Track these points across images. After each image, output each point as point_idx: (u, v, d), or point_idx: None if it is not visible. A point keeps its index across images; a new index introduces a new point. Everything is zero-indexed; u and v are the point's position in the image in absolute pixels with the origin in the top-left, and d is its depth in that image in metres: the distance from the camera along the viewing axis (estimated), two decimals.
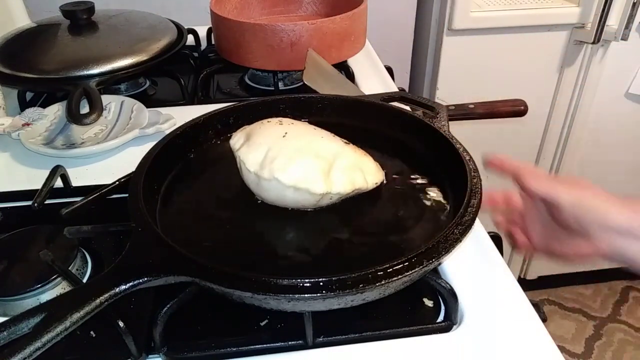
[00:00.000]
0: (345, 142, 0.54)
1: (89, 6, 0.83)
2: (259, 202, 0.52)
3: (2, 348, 0.34)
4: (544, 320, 0.46)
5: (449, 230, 0.43)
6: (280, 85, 0.87)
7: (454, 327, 0.45)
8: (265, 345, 0.43)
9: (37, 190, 0.55)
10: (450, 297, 0.44)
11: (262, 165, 0.50)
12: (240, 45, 0.80)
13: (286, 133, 0.52)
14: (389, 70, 0.93)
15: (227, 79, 0.93)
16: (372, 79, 0.89)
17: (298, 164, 0.49)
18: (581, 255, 0.52)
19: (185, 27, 0.93)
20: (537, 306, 0.47)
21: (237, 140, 0.54)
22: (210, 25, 0.89)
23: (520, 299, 0.47)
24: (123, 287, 0.38)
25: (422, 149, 0.59)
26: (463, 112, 0.66)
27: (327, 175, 0.50)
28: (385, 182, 0.55)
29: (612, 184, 1.45)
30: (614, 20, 1.20)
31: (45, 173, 0.58)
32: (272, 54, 0.78)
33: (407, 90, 1.13)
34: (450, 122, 0.61)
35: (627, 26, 1.19)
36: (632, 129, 1.38)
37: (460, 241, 0.42)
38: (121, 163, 0.67)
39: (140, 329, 0.43)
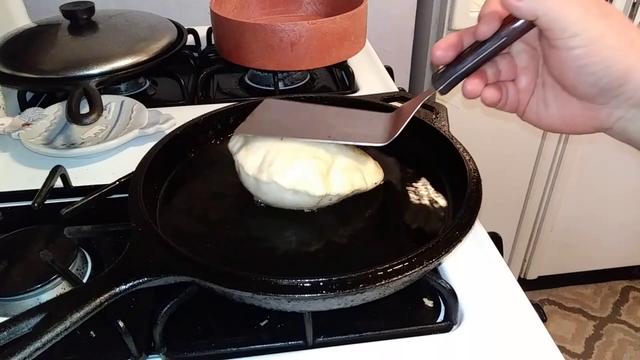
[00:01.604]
0: None
1: (89, 6, 0.83)
2: (258, 202, 0.52)
3: (2, 348, 0.34)
4: (544, 320, 0.46)
5: (449, 230, 0.43)
6: (280, 85, 0.87)
7: (454, 327, 0.45)
8: (265, 345, 0.43)
9: (37, 190, 0.55)
10: (450, 297, 0.44)
11: (261, 169, 0.50)
12: (240, 45, 0.80)
13: (282, 137, 0.52)
14: (389, 70, 0.93)
15: (227, 79, 0.93)
16: (372, 79, 0.89)
17: (296, 166, 0.49)
18: (573, 125, 0.42)
19: (185, 27, 0.93)
20: (537, 306, 0.47)
21: (235, 143, 0.54)
22: (210, 25, 0.89)
23: (520, 299, 0.47)
24: (123, 287, 0.38)
25: (422, 149, 0.59)
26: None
27: (325, 176, 0.50)
28: (384, 181, 0.55)
29: (614, 183, 1.45)
30: None
31: (45, 173, 0.58)
32: (272, 54, 0.78)
33: (407, 90, 1.13)
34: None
35: None
36: None
37: (460, 241, 0.42)
38: (121, 163, 0.67)
39: (140, 329, 0.43)
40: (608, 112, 0.40)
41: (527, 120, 0.45)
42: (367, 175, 0.52)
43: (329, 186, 0.49)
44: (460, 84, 0.45)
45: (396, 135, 0.49)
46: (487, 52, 0.42)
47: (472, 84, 0.44)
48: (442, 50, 0.44)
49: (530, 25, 0.39)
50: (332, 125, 0.54)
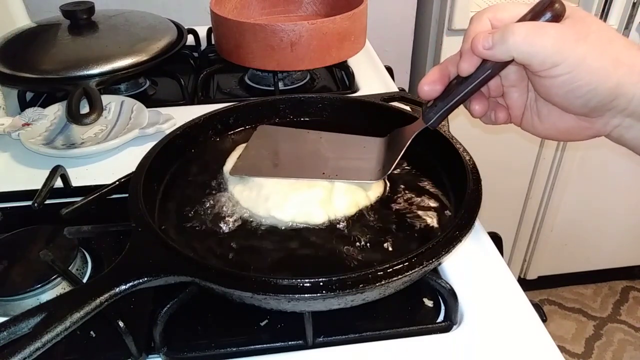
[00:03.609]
0: None
1: (89, 6, 0.83)
2: None
3: (2, 348, 0.34)
4: (544, 320, 0.46)
5: (449, 230, 0.43)
6: (280, 85, 0.87)
7: (454, 327, 0.45)
8: (265, 345, 0.43)
9: (37, 190, 0.55)
10: (450, 297, 0.44)
11: (257, 203, 0.50)
12: (240, 45, 0.80)
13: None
14: (389, 70, 0.93)
15: (227, 79, 0.93)
16: (372, 79, 0.89)
17: (293, 199, 0.50)
18: (570, 136, 0.42)
19: (185, 27, 0.93)
20: (537, 306, 0.47)
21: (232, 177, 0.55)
22: (210, 25, 0.89)
23: (520, 299, 0.47)
24: (123, 287, 0.38)
25: (422, 149, 0.59)
26: None
27: (327, 202, 0.50)
28: (388, 186, 0.55)
29: (614, 184, 1.45)
30: (614, 20, 1.20)
31: (45, 173, 0.58)
32: (272, 54, 0.78)
33: (407, 90, 1.13)
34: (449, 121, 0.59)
35: (627, 26, 1.19)
36: None
37: (460, 241, 0.42)
38: (121, 163, 0.67)
39: (140, 329, 0.43)
40: (604, 122, 0.40)
41: (525, 130, 0.46)
42: (370, 190, 0.53)
43: (333, 211, 0.50)
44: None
45: (389, 172, 0.51)
46: (473, 84, 0.43)
47: (480, 104, 0.45)
48: (428, 85, 0.44)
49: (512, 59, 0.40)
50: (326, 158, 0.56)
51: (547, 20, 0.38)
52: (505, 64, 0.41)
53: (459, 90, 0.43)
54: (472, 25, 0.41)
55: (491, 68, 0.41)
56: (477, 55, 0.40)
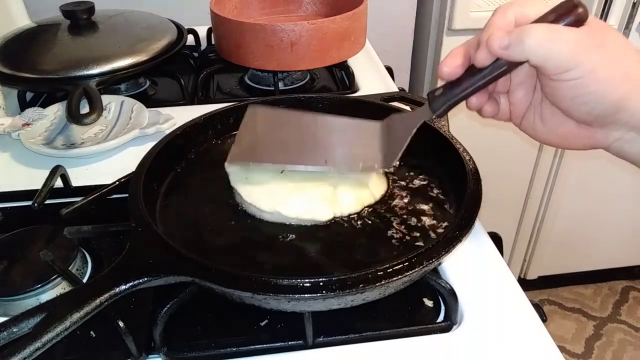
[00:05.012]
0: None
1: (89, 6, 0.83)
2: None
3: (2, 348, 0.34)
4: (544, 320, 0.46)
5: (449, 230, 0.43)
6: (280, 85, 0.87)
7: (454, 327, 0.45)
8: (265, 345, 0.43)
9: (37, 190, 0.55)
10: (450, 297, 0.44)
11: (262, 199, 0.50)
12: (240, 45, 0.80)
13: (283, 170, 0.52)
14: (389, 70, 0.93)
15: (227, 79, 0.93)
16: (372, 79, 0.89)
17: (299, 196, 0.50)
18: (569, 144, 0.43)
19: (185, 27, 0.93)
20: (537, 306, 0.47)
21: (232, 168, 0.54)
22: (210, 25, 0.89)
23: (520, 299, 0.47)
24: (123, 287, 0.38)
25: (422, 149, 0.59)
26: None
27: (332, 199, 0.50)
28: (391, 185, 0.55)
29: (613, 183, 1.45)
30: (614, 20, 1.20)
31: (45, 173, 0.58)
32: (272, 54, 0.78)
33: (407, 90, 1.13)
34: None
35: (627, 26, 1.19)
36: None
37: (460, 241, 0.42)
38: (121, 163, 0.67)
39: (140, 329, 0.43)
40: (605, 133, 0.40)
41: (524, 131, 0.46)
42: (374, 188, 0.53)
43: (339, 208, 0.50)
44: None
45: (396, 161, 0.49)
46: (486, 79, 0.42)
47: (478, 97, 0.44)
48: (448, 67, 0.43)
49: None
50: (325, 146, 0.53)
51: (569, 24, 0.37)
52: (519, 63, 0.41)
53: (471, 83, 0.43)
54: (495, 17, 0.40)
55: (506, 65, 0.41)
56: (492, 54, 0.39)
